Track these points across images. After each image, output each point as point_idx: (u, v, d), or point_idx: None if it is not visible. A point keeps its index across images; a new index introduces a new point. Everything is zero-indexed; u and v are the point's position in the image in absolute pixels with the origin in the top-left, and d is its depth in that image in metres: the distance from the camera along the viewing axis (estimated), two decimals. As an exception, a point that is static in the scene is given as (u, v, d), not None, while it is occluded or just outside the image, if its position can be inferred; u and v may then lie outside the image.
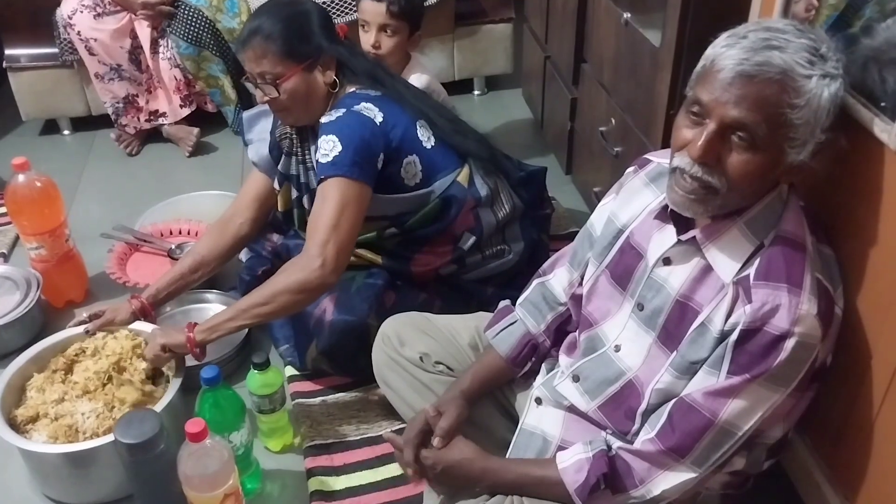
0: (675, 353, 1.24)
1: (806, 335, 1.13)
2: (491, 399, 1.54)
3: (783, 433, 1.30)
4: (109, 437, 1.57)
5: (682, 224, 1.24)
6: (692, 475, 1.22)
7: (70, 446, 1.63)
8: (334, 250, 1.66)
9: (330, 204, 1.67)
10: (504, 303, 1.60)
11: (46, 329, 2.08)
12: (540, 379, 1.49)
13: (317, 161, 1.72)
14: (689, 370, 1.21)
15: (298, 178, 1.93)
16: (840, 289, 1.24)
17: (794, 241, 1.17)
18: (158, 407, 1.64)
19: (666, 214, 1.26)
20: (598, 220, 1.43)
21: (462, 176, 1.89)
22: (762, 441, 1.29)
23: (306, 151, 1.90)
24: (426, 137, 1.84)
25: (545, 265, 1.56)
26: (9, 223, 2.51)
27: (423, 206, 1.85)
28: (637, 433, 1.29)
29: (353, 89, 1.81)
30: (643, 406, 1.28)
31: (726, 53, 1.10)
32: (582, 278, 1.44)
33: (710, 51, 1.13)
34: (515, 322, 1.53)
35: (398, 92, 1.85)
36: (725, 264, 1.19)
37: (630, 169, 1.41)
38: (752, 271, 1.16)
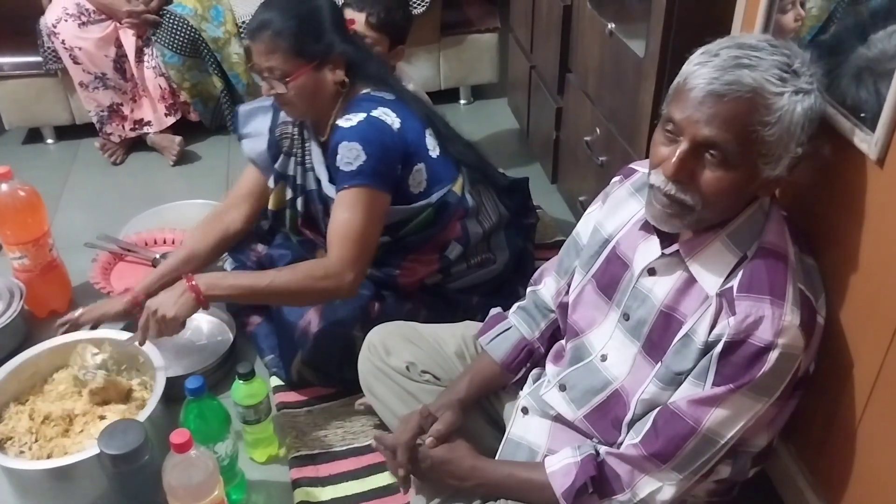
0: (659, 363, 1.25)
1: (789, 346, 1.14)
2: (478, 408, 1.55)
3: (768, 441, 1.31)
4: (91, 452, 1.56)
5: (666, 236, 1.25)
6: (672, 481, 1.23)
7: (51, 462, 1.61)
8: (363, 265, 1.69)
9: (357, 215, 1.67)
10: (495, 310, 1.60)
11: (29, 339, 2.06)
12: (526, 388, 1.49)
13: (337, 168, 1.70)
14: (674, 381, 1.22)
15: (295, 178, 1.91)
16: (822, 297, 1.25)
17: (777, 253, 1.18)
18: (142, 416, 1.63)
19: (650, 226, 1.27)
20: (584, 229, 1.44)
21: (457, 185, 1.88)
22: (747, 449, 1.30)
23: (306, 153, 1.89)
24: (432, 146, 1.83)
25: (536, 275, 1.57)
26: (-9, 233, 2.49)
27: (419, 215, 1.85)
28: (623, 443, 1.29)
29: (366, 90, 1.79)
30: (629, 416, 1.28)
31: (698, 72, 1.10)
32: (569, 287, 1.45)
33: (685, 68, 1.14)
34: (510, 328, 1.54)
35: (408, 96, 1.85)
36: (709, 277, 1.20)
37: (616, 178, 1.42)
38: (735, 283, 1.16)
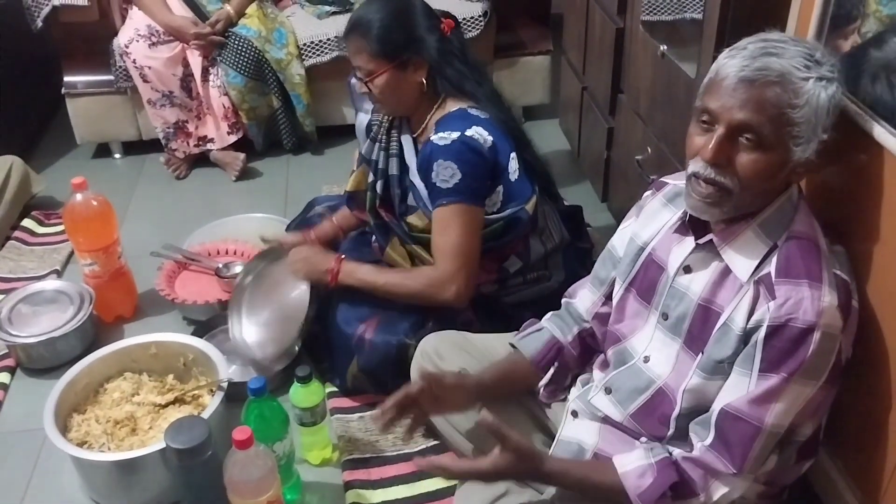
0: (700, 354, 1.29)
1: (830, 326, 1.18)
2: (526, 413, 1.59)
3: (813, 431, 1.34)
4: (157, 446, 1.64)
5: (700, 231, 1.31)
6: (746, 482, 1.27)
7: (120, 454, 1.70)
8: (467, 276, 1.80)
9: (457, 231, 1.78)
10: (529, 319, 1.66)
11: (96, 343, 2.15)
12: (574, 392, 1.54)
13: (433, 184, 1.79)
14: (716, 369, 1.26)
15: (377, 163, 1.99)
16: (854, 284, 1.28)
17: (808, 240, 1.24)
18: (205, 414, 1.70)
19: (685, 227, 1.33)
20: (620, 241, 1.50)
21: (530, 204, 1.91)
22: (795, 439, 1.32)
23: (391, 139, 1.97)
24: (514, 169, 1.87)
25: (569, 290, 1.63)
26: (63, 241, 2.61)
27: (488, 226, 1.88)
28: (673, 438, 1.33)
29: (462, 106, 1.85)
30: (676, 411, 1.32)
31: (729, 63, 1.19)
32: (606, 298, 1.51)
33: (714, 64, 1.23)
34: (542, 329, 1.59)
35: (500, 105, 1.92)
36: (742, 264, 1.25)
37: (647, 192, 1.49)
38: (772, 269, 1.22)
